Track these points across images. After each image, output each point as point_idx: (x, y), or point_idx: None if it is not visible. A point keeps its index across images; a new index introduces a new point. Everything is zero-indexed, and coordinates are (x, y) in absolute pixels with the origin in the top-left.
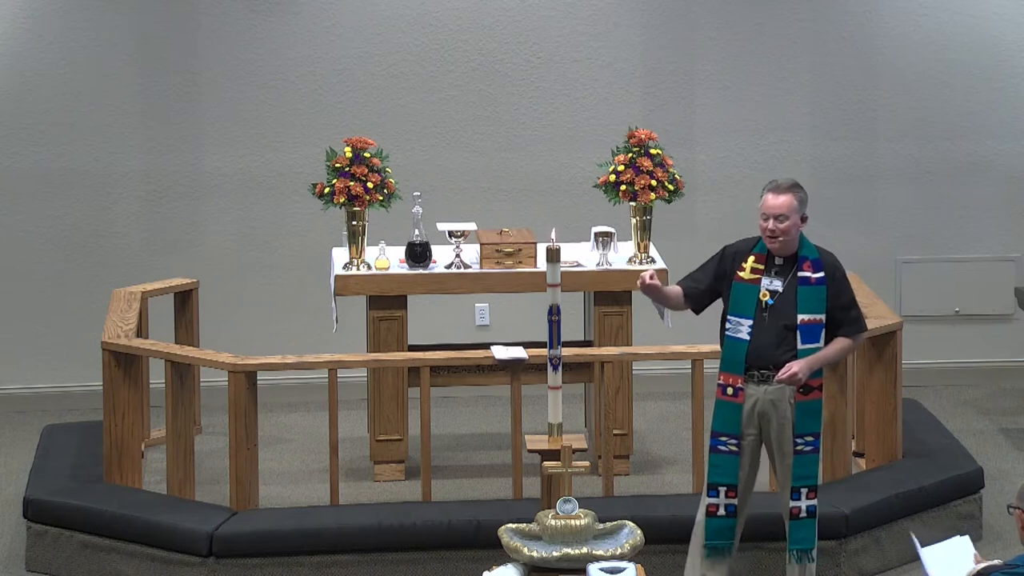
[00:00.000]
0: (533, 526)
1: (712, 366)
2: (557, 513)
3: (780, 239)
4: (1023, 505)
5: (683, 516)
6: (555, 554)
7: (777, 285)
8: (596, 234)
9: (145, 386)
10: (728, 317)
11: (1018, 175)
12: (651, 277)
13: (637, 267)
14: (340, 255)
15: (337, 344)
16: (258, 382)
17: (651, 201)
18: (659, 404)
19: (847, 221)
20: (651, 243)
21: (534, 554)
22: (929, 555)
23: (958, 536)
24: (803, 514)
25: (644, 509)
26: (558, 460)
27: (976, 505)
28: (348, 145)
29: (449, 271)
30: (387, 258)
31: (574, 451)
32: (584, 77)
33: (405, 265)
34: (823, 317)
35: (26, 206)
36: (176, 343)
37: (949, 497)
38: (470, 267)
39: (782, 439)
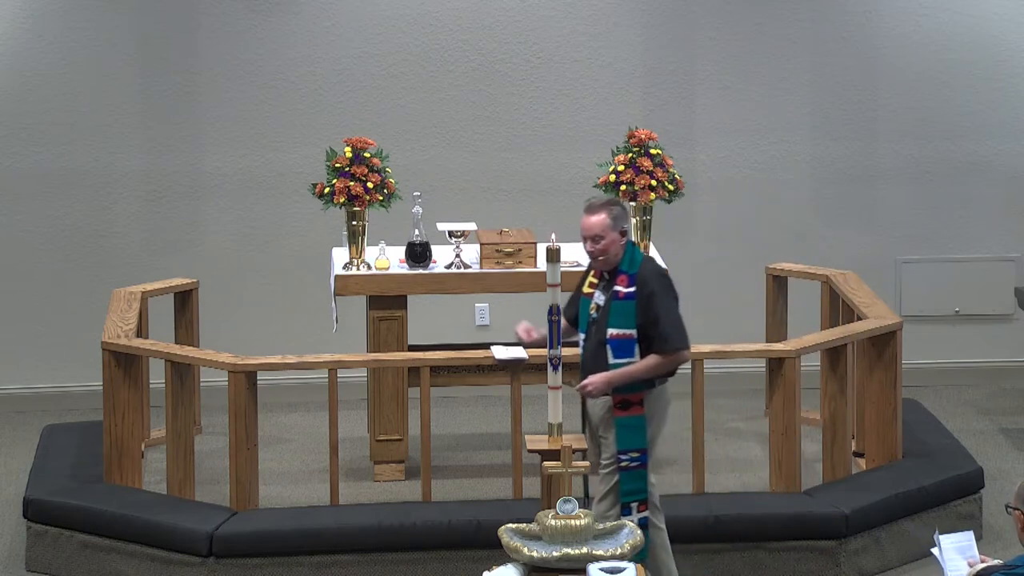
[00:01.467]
0: (533, 526)
1: (712, 366)
2: (557, 513)
3: (600, 258)
4: (1022, 506)
5: (683, 516)
6: (555, 554)
7: (601, 300)
8: None
9: (145, 386)
10: (579, 333)
11: (1018, 175)
12: (526, 332)
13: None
14: (340, 255)
15: (337, 344)
16: (258, 382)
17: (651, 201)
18: None
19: (847, 221)
20: (651, 243)
21: (534, 554)
22: (945, 542)
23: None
24: None
25: None
26: (558, 460)
27: (976, 505)
28: (348, 145)
29: (449, 271)
30: (387, 258)
31: (574, 451)
32: (584, 77)
33: (405, 265)
34: (634, 332)
35: (26, 206)
36: (176, 343)
37: (949, 497)
38: (470, 267)
39: (606, 449)
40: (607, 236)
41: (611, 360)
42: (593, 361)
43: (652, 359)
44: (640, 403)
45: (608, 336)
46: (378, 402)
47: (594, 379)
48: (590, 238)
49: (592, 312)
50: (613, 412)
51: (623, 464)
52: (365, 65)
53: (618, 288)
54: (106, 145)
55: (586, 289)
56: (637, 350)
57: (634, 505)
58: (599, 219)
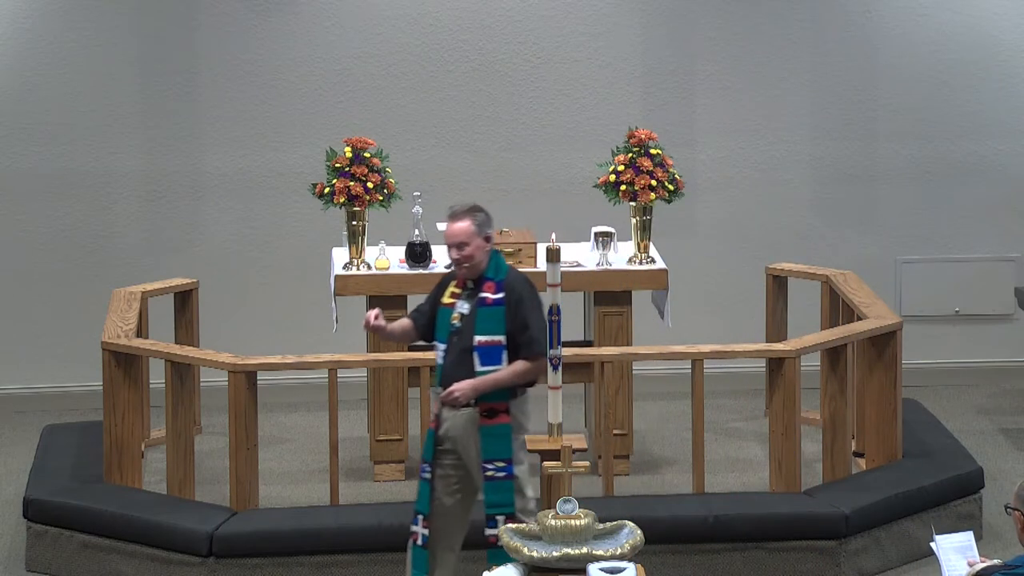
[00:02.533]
0: (533, 526)
1: (712, 366)
2: (557, 513)
3: (466, 265)
4: (1021, 507)
5: (683, 516)
6: (555, 554)
7: (465, 308)
8: (596, 234)
9: (145, 386)
10: (436, 344)
11: (1018, 175)
12: (375, 317)
13: (637, 267)
14: (340, 255)
15: (337, 344)
16: (258, 382)
17: (651, 201)
18: (659, 404)
19: (847, 221)
20: (651, 243)
21: (534, 554)
22: (943, 542)
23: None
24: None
25: (644, 509)
26: (558, 460)
27: (976, 505)
28: (348, 145)
29: (449, 271)
30: (387, 258)
31: (574, 451)
32: (584, 77)
33: (405, 265)
34: (502, 339)
35: (26, 206)
36: (176, 343)
37: (949, 497)
38: None
39: (471, 464)
40: (472, 243)
41: (478, 368)
42: (456, 370)
43: (520, 365)
44: (506, 411)
45: (475, 343)
46: (378, 402)
47: (460, 386)
48: (454, 245)
49: (454, 322)
50: (478, 422)
51: (488, 474)
52: (365, 65)
53: (485, 295)
54: (106, 145)
55: (446, 299)
56: (504, 357)
57: (500, 519)
58: (463, 226)
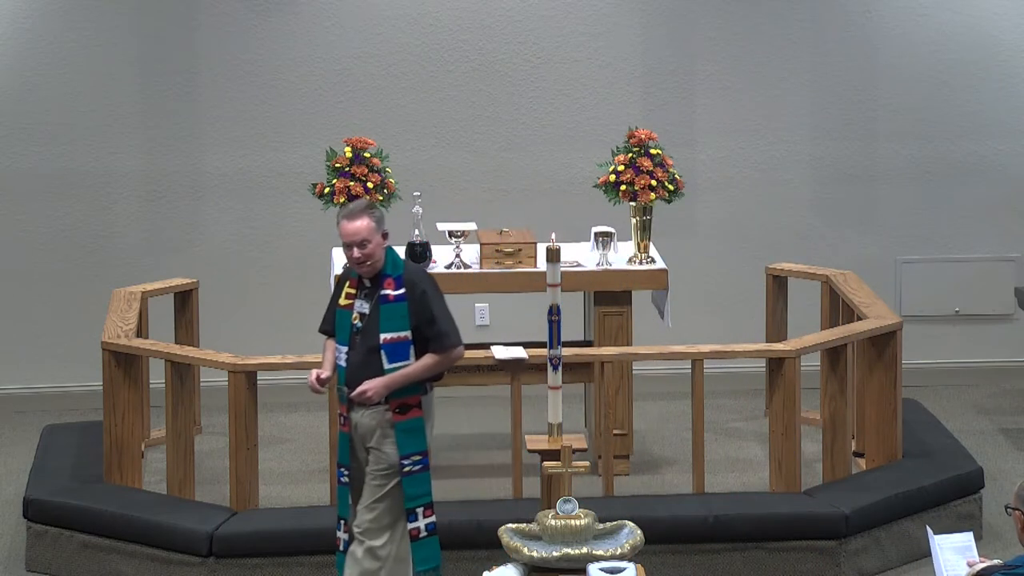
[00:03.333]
0: (533, 526)
1: (712, 366)
2: (557, 513)
3: (367, 264)
4: (1021, 507)
5: (683, 516)
6: (555, 554)
7: (365, 308)
8: (596, 234)
9: (145, 386)
10: (337, 347)
11: (1018, 175)
12: (318, 378)
13: (637, 267)
14: (340, 255)
15: None
16: (258, 382)
17: (651, 201)
18: (659, 404)
19: (847, 221)
20: (651, 243)
21: (534, 554)
22: (942, 542)
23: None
24: (423, 534)
25: (644, 509)
26: (558, 460)
27: (976, 505)
28: (348, 145)
29: (449, 271)
30: None
31: (574, 451)
32: (584, 77)
33: None
34: (408, 334)
35: (26, 206)
36: (176, 343)
37: (949, 497)
38: (470, 267)
39: (378, 459)
40: (372, 240)
41: (386, 365)
42: (363, 371)
43: (430, 359)
44: (418, 405)
45: (381, 341)
46: None
47: (371, 384)
48: (356, 244)
49: (356, 322)
50: (392, 419)
51: (406, 469)
52: (365, 65)
53: (386, 292)
54: (106, 145)
55: (343, 301)
56: (412, 352)
57: (419, 510)
58: (364, 224)
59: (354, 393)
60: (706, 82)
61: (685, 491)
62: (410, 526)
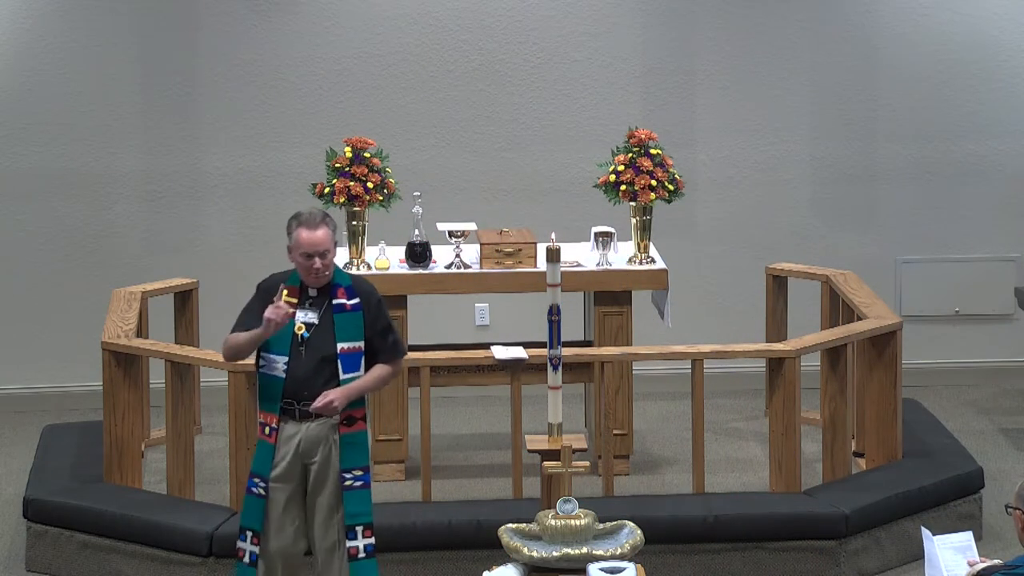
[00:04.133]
0: (533, 526)
1: (712, 366)
2: (557, 513)
3: (326, 273)
4: (1022, 506)
5: (683, 516)
6: (555, 554)
7: (312, 317)
8: (596, 234)
9: (145, 386)
10: (261, 355)
11: (1018, 175)
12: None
13: (637, 267)
14: (340, 255)
15: None
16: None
17: (651, 201)
18: (659, 404)
19: (847, 221)
20: (651, 243)
21: (534, 554)
22: (940, 543)
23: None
24: (361, 554)
25: (644, 509)
26: (558, 460)
27: (976, 505)
28: (348, 145)
29: (449, 271)
30: (387, 258)
31: (574, 451)
32: (584, 77)
33: (405, 265)
34: (362, 344)
35: (26, 206)
36: (176, 343)
37: (949, 497)
38: (470, 267)
39: (324, 474)
40: (332, 249)
41: (342, 376)
42: (315, 380)
43: (382, 369)
44: (363, 418)
45: (338, 351)
46: (378, 402)
47: (335, 394)
48: (318, 254)
49: (299, 331)
50: (338, 430)
51: (347, 483)
52: (365, 65)
53: (341, 301)
54: (106, 145)
55: None
56: (363, 363)
57: (359, 529)
58: (324, 232)
59: (318, 403)
60: (706, 82)
61: (685, 491)
62: (348, 544)
